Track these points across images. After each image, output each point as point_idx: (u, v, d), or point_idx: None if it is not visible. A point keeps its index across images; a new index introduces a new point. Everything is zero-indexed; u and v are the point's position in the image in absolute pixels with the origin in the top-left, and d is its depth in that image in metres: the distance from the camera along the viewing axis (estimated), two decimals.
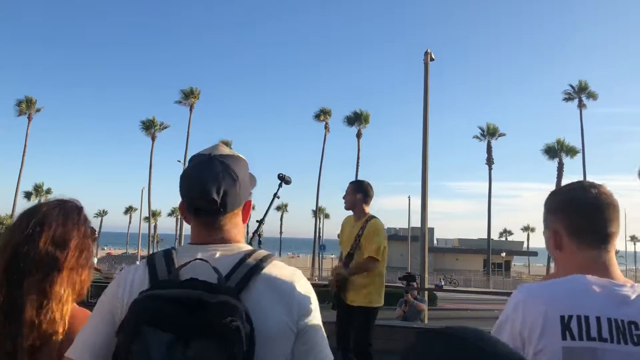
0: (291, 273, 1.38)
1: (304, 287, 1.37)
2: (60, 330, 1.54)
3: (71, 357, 1.27)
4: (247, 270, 1.29)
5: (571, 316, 1.34)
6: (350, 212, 5.22)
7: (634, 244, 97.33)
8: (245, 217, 1.48)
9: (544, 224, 1.60)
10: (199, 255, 1.31)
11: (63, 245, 1.61)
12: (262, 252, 1.38)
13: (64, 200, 1.73)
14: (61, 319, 1.56)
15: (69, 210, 1.70)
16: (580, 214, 1.50)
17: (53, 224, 1.62)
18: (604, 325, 1.33)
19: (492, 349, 0.81)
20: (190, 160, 1.46)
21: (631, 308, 1.36)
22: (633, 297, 1.38)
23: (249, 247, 1.42)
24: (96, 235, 1.77)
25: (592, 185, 1.53)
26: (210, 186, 1.35)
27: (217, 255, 1.34)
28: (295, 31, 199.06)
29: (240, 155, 1.49)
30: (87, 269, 1.69)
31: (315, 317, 1.35)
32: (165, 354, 1.09)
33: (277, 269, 1.35)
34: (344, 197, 5.16)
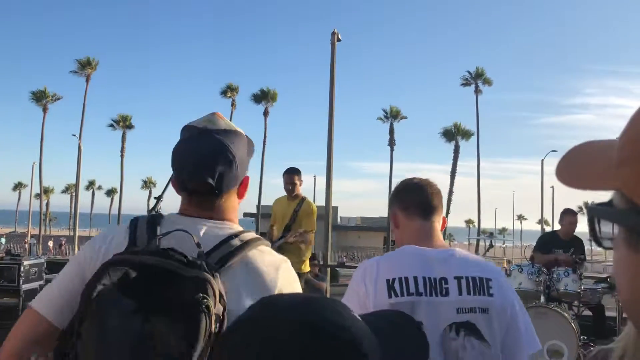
0: (277, 260, 1.33)
1: (288, 275, 1.32)
2: None
3: (32, 306, 1.24)
4: (231, 250, 1.23)
5: (394, 278, 1.65)
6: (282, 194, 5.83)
7: (521, 222, 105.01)
8: (242, 192, 1.42)
9: (389, 207, 2.00)
10: (185, 227, 1.22)
11: None
12: (251, 234, 1.32)
13: None
14: None
15: None
16: (408, 192, 1.88)
17: None
18: (420, 282, 1.65)
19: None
20: (181, 132, 1.37)
21: (443, 267, 1.70)
22: (445, 257, 1.73)
23: (240, 228, 1.36)
24: None
25: (416, 177, 1.93)
26: (203, 169, 1.28)
27: (204, 230, 1.28)
28: (204, 4, 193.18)
29: (238, 129, 1.40)
30: None
31: None
32: (122, 322, 1.03)
33: (263, 254, 1.31)
34: (291, 186, 5.63)
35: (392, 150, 57.48)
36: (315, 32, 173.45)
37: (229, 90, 57.05)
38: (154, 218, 1.32)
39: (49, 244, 41.14)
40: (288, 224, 5.63)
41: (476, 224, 65.03)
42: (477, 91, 55.58)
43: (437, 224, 1.86)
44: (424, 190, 1.86)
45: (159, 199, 3.04)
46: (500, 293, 1.71)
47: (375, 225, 58.54)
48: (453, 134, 55.19)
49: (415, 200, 1.85)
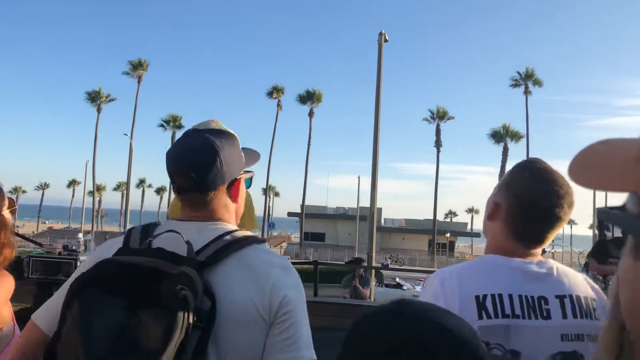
0: (272, 257, 1.29)
1: (285, 272, 1.27)
2: None
3: (33, 317, 1.29)
4: (221, 247, 1.23)
5: (485, 295, 1.38)
6: None
7: (571, 227, 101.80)
8: (235, 195, 1.39)
9: (495, 188, 1.58)
10: (177, 230, 1.25)
11: None
12: (244, 233, 1.31)
13: None
14: None
15: None
16: (528, 217, 1.46)
17: None
18: (516, 302, 1.38)
19: (443, 321, 0.81)
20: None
21: (541, 284, 1.42)
22: (543, 273, 1.44)
23: (233, 227, 1.35)
24: (15, 207, 1.73)
25: (559, 191, 1.45)
26: (185, 162, 1.31)
27: (195, 230, 1.29)
28: (249, 6, 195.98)
29: (230, 131, 1.42)
30: (7, 243, 1.69)
31: (296, 307, 1.24)
32: (105, 317, 1.06)
33: (257, 250, 1.28)
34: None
35: (438, 151, 56.70)
36: (362, 32, 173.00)
37: (274, 92, 57.47)
38: (148, 225, 1.34)
39: (106, 238, 42.36)
40: None
41: None
42: (527, 92, 54.06)
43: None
44: (548, 222, 1.45)
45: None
46: (606, 316, 1.46)
47: (420, 228, 57.85)
48: (502, 136, 53.92)
49: (527, 232, 1.48)
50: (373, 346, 0.78)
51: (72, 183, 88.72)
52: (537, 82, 54.20)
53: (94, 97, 57.08)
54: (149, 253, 1.17)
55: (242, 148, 1.44)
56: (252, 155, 1.48)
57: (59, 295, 1.27)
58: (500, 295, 1.38)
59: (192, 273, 1.10)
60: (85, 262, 1.34)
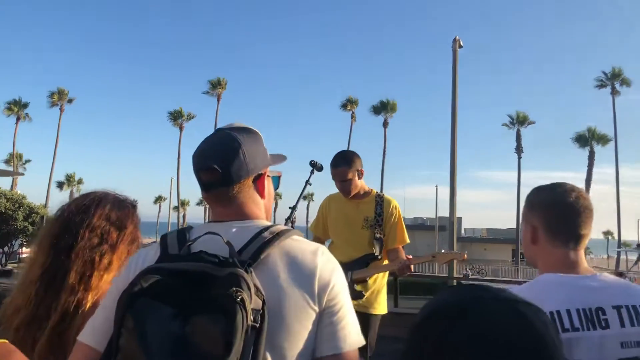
0: (313, 247, 1.29)
1: (328, 261, 1.27)
2: (91, 297, 1.55)
3: (78, 339, 1.26)
4: (262, 243, 1.21)
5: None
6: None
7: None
8: (262, 191, 1.40)
9: (523, 217, 1.74)
10: (214, 231, 1.24)
11: (118, 225, 1.66)
12: (281, 227, 1.30)
13: (120, 194, 1.77)
14: (98, 287, 1.57)
15: (125, 201, 1.75)
16: (558, 215, 1.62)
17: (108, 205, 1.67)
18: (574, 316, 1.45)
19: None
20: None
21: (597, 297, 1.49)
22: (597, 285, 1.53)
23: (268, 223, 1.35)
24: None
25: (573, 189, 1.65)
26: (209, 154, 1.32)
27: (233, 230, 1.28)
28: (321, 19, 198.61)
29: (252, 128, 1.43)
30: None
31: (342, 295, 1.24)
32: (161, 327, 1.03)
33: (297, 242, 1.28)
34: (344, 183, 3.69)
35: (519, 157, 54.82)
36: (436, 39, 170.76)
37: (348, 104, 57.92)
38: (183, 229, 1.33)
39: None
40: (378, 237, 3.67)
41: (616, 236, 59.74)
42: (614, 93, 51.28)
43: (583, 250, 1.65)
44: (578, 215, 1.61)
45: (293, 208, 3.14)
46: None
47: (502, 237, 56.01)
48: (587, 139, 51.31)
49: (565, 227, 1.61)
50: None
51: (159, 199, 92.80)
52: (625, 82, 51.35)
53: (176, 116, 59.88)
54: (191, 258, 1.14)
55: (270, 154, 1.46)
56: (278, 157, 1.49)
57: (103, 312, 1.25)
58: (558, 312, 1.44)
59: (241, 273, 1.08)
60: (121, 275, 1.31)
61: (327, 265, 1.26)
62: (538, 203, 1.68)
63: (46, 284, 1.53)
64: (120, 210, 1.69)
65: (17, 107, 55.50)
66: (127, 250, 1.68)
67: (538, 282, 1.58)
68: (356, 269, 3.58)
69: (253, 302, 1.06)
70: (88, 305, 1.53)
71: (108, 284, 1.61)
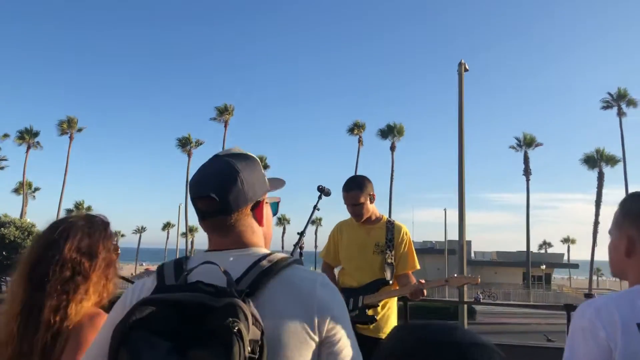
0: (313, 275, 1.27)
1: (328, 290, 1.24)
2: (68, 325, 1.57)
3: None
4: (261, 272, 1.19)
5: None
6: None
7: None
8: (260, 218, 1.37)
9: (616, 226, 1.60)
10: (210, 260, 1.21)
11: (89, 254, 1.67)
12: (279, 255, 1.28)
13: (91, 215, 1.78)
14: (76, 314, 1.59)
15: (96, 224, 1.75)
16: None
17: (79, 234, 1.67)
18: None
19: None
20: None
21: None
22: None
23: (266, 251, 1.33)
24: (119, 252, 1.81)
25: None
26: (206, 182, 1.30)
27: (231, 259, 1.25)
28: (328, 44, 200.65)
29: (250, 154, 1.41)
30: (111, 283, 1.74)
31: (342, 324, 1.21)
32: None
33: (296, 271, 1.26)
34: (356, 207, 3.72)
35: (527, 180, 54.66)
36: (440, 61, 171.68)
37: (355, 128, 58.12)
38: (180, 259, 1.30)
39: None
40: (390, 262, 3.71)
41: None
42: (621, 114, 51.23)
43: None
44: None
45: (301, 234, 3.14)
46: None
47: (512, 260, 55.49)
48: (596, 161, 51.19)
49: None
50: None
51: (167, 226, 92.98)
52: (632, 102, 51.32)
53: (185, 143, 60.36)
54: (188, 288, 1.12)
55: (268, 178, 1.44)
56: (276, 182, 1.48)
57: (98, 344, 1.22)
58: None
59: (238, 303, 1.05)
60: (117, 307, 1.28)
61: (327, 295, 1.23)
62: (637, 211, 1.55)
63: (25, 319, 1.56)
64: (90, 237, 1.69)
65: (28, 136, 56.19)
66: (104, 275, 1.69)
67: (633, 291, 1.47)
68: (367, 293, 3.61)
69: (251, 333, 1.03)
70: (66, 334, 1.56)
71: (87, 310, 1.64)
